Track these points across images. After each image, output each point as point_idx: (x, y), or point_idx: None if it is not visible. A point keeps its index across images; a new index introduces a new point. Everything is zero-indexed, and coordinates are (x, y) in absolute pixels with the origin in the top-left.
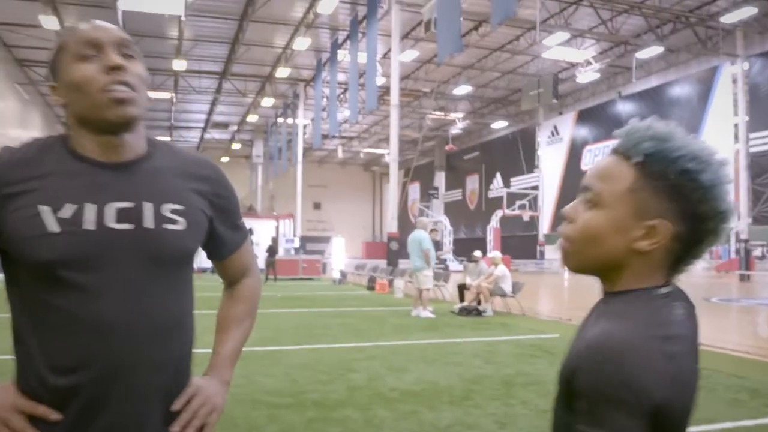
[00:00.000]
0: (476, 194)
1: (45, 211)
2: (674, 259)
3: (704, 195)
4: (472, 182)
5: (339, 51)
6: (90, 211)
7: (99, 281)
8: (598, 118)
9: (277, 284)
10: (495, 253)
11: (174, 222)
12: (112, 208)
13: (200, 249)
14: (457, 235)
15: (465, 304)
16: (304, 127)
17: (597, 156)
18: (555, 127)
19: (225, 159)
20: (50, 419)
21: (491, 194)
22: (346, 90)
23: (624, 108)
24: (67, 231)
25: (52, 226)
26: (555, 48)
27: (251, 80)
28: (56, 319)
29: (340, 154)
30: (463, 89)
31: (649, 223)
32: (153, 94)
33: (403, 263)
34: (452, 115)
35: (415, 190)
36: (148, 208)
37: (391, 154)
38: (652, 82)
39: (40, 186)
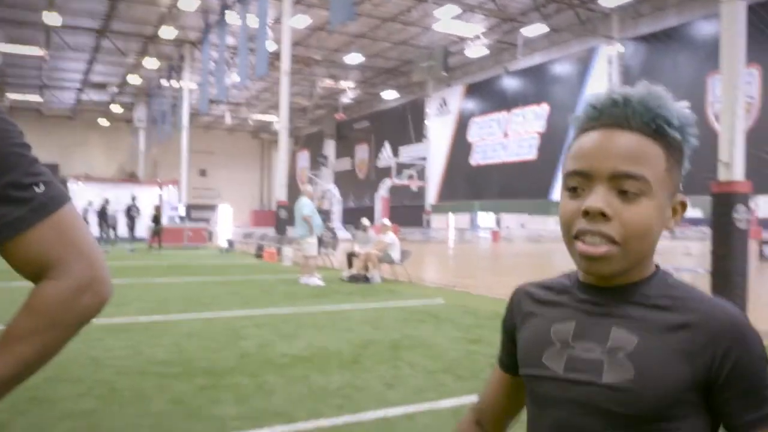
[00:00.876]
0: (365, 164)
1: None
2: None
3: (685, 159)
4: (362, 152)
5: (228, 12)
6: None
7: None
8: (485, 92)
9: (162, 253)
10: (384, 221)
11: None
12: None
13: None
14: (347, 204)
15: (354, 271)
16: (191, 91)
17: (483, 129)
18: (444, 99)
19: (104, 122)
20: None
21: (380, 164)
22: (235, 54)
23: (510, 83)
24: None
25: None
26: (446, 20)
27: (133, 39)
28: None
29: (228, 120)
30: (354, 58)
31: (677, 199)
32: (21, 49)
33: (291, 231)
34: (343, 84)
35: (304, 158)
36: None
37: (281, 121)
38: (536, 59)
39: None
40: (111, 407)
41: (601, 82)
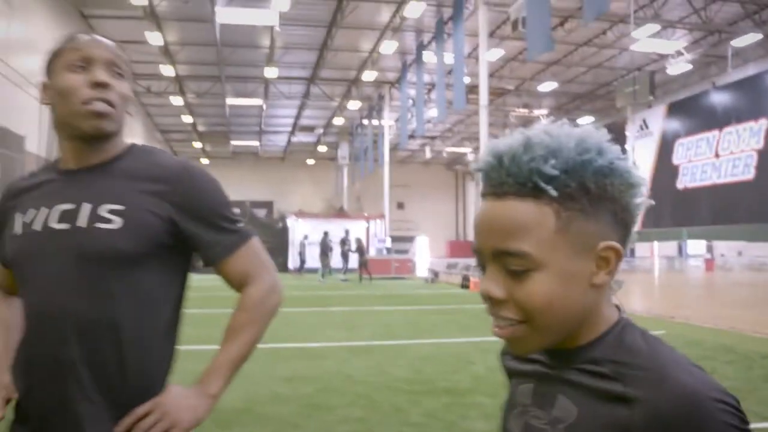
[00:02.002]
0: None
1: (18, 217)
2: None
3: (624, 181)
4: None
5: (424, 52)
6: (42, 215)
7: (36, 276)
8: (691, 111)
9: (372, 283)
10: None
11: (108, 221)
12: (57, 210)
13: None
14: None
15: None
16: (389, 127)
17: (690, 150)
18: (644, 121)
19: (311, 161)
20: (12, 398)
21: None
22: (430, 90)
23: (719, 98)
24: (24, 232)
25: (18, 229)
26: (644, 40)
27: (338, 84)
28: (23, 304)
29: (428, 154)
30: (548, 86)
31: (597, 252)
32: (244, 101)
33: None
34: (536, 112)
35: None
36: (85, 209)
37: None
38: (750, 70)
39: (26, 198)
40: (376, 416)
41: None
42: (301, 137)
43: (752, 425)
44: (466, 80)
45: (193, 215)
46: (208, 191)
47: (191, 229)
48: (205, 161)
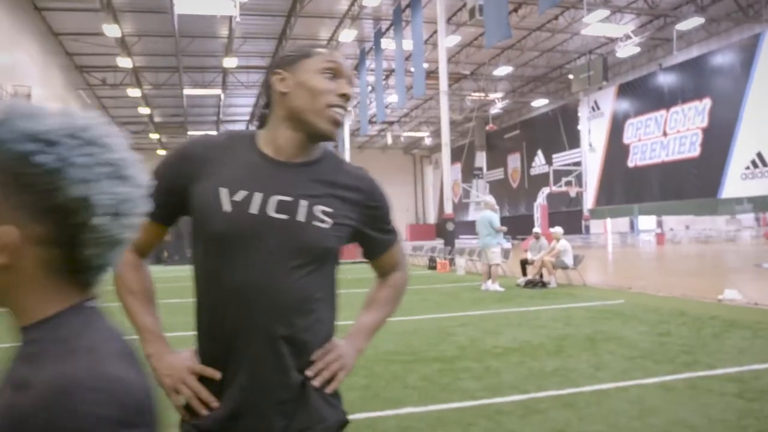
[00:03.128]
0: (518, 172)
1: (223, 192)
2: (67, 269)
3: (54, 181)
4: (514, 161)
5: (382, 39)
6: (257, 199)
7: (248, 256)
8: (640, 92)
9: (340, 267)
10: (557, 229)
11: (322, 221)
12: (274, 200)
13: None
14: (501, 213)
15: (529, 277)
16: (349, 113)
17: (639, 129)
18: (596, 102)
19: None
20: (216, 378)
21: (533, 172)
22: (388, 76)
23: (665, 79)
24: (236, 211)
25: (226, 206)
26: (595, 24)
27: None
28: (216, 283)
29: (389, 140)
30: (503, 70)
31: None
32: (201, 92)
33: (460, 242)
34: (492, 96)
35: (456, 170)
36: (303, 205)
37: (443, 138)
38: (693, 52)
39: (223, 170)
40: (379, 382)
41: None
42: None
43: (703, 372)
44: (425, 66)
45: (372, 222)
46: (384, 202)
47: (367, 232)
48: (162, 152)
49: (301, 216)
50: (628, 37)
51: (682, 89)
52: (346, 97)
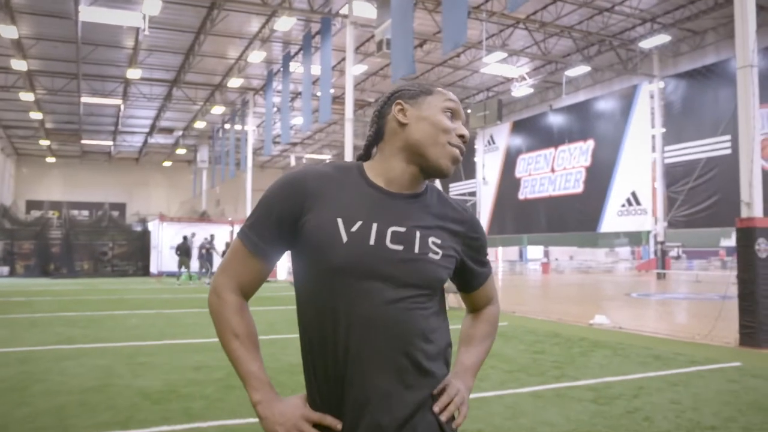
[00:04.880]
0: None
1: (340, 223)
2: None
3: None
4: None
5: (291, 63)
6: (374, 230)
7: (367, 287)
8: (532, 129)
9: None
10: None
11: (435, 252)
12: (390, 231)
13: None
14: None
15: None
16: (253, 132)
17: (530, 164)
18: (491, 137)
19: (167, 163)
20: (336, 428)
21: None
22: (294, 99)
23: (555, 120)
24: (353, 242)
25: (343, 236)
26: (493, 64)
27: (201, 88)
28: (333, 317)
29: (292, 161)
30: None
31: None
32: (100, 101)
33: None
34: None
35: None
36: (416, 237)
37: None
38: (580, 96)
39: (336, 201)
40: (286, 392)
41: (645, 116)
42: (158, 138)
43: (568, 384)
44: (331, 92)
45: (472, 254)
46: (483, 236)
47: (468, 264)
48: (51, 160)
49: (416, 247)
50: (523, 78)
51: (570, 130)
52: (465, 138)
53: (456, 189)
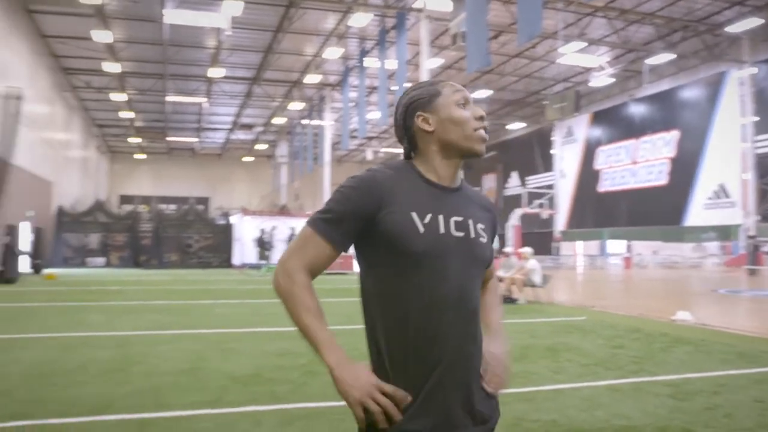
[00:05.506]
0: (493, 192)
1: (414, 216)
2: None
3: None
4: (489, 181)
5: (366, 58)
6: (441, 221)
7: (446, 270)
8: (612, 120)
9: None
10: (527, 249)
11: (482, 236)
12: (453, 220)
13: None
14: None
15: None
16: (330, 127)
17: (610, 156)
18: (570, 128)
19: (248, 159)
20: (406, 402)
21: (508, 192)
22: (370, 93)
23: (636, 110)
24: (427, 232)
25: (420, 227)
26: (570, 54)
27: (280, 85)
28: (416, 300)
29: (368, 155)
30: (482, 93)
31: None
32: (185, 99)
33: None
34: None
35: None
36: (471, 223)
37: None
38: (663, 85)
39: (406, 197)
40: None
41: (734, 104)
42: (239, 135)
43: (646, 378)
44: (407, 86)
45: (494, 233)
46: (497, 219)
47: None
48: (141, 156)
49: (472, 233)
50: (602, 68)
51: (652, 120)
52: (483, 118)
53: (533, 182)
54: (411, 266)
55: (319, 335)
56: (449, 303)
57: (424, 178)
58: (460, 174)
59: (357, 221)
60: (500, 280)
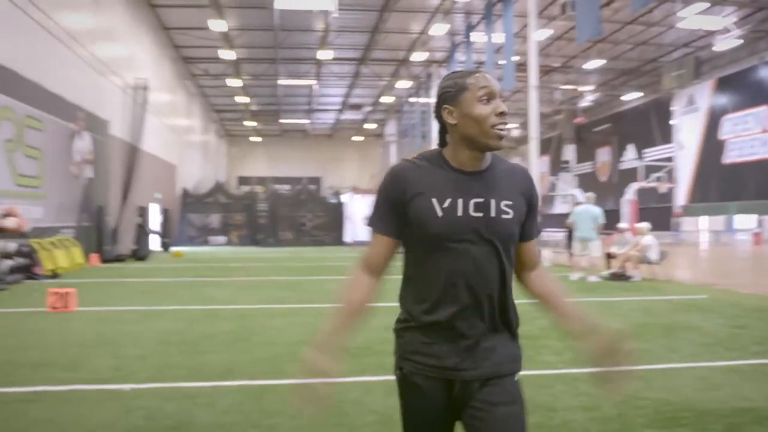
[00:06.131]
0: (608, 166)
1: (435, 202)
2: None
3: None
4: (603, 154)
5: (472, 33)
6: (460, 203)
7: (461, 250)
8: (739, 86)
9: None
10: (643, 224)
11: (507, 213)
12: (472, 202)
13: None
14: None
15: (613, 270)
16: None
17: (737, 125)
18: (691, 97)
19: (357, 138)
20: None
21: (623, 166)
22: (477, 69)
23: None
24: (446, 215)
25: (438, 211)
26: (692, 17)
27: (387, 64)
28: (434, 269)
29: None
30: (594, 63)
31: None
32: (295, 82)
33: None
34: (582, 89)
35: (543, 163)
36: (493, 203)
37: (532, 132)
38: None
39: (430, 185)
40: None
41: None
42: (349, 115)
43: None
44: (515, 59)
45: (530, 207)
46: (537, 191)
47: (526, 216)
48: (256, 139)
49: (493, 212)
50: (727, 30)
51: None
52: (503, 114)
53: (650, 155)
54: (432, 246)
55: (325, 325)
56: (467, 275)
57: (450, 165)
58: (488, 156)
59: (394, 210)
60: (613, 256)
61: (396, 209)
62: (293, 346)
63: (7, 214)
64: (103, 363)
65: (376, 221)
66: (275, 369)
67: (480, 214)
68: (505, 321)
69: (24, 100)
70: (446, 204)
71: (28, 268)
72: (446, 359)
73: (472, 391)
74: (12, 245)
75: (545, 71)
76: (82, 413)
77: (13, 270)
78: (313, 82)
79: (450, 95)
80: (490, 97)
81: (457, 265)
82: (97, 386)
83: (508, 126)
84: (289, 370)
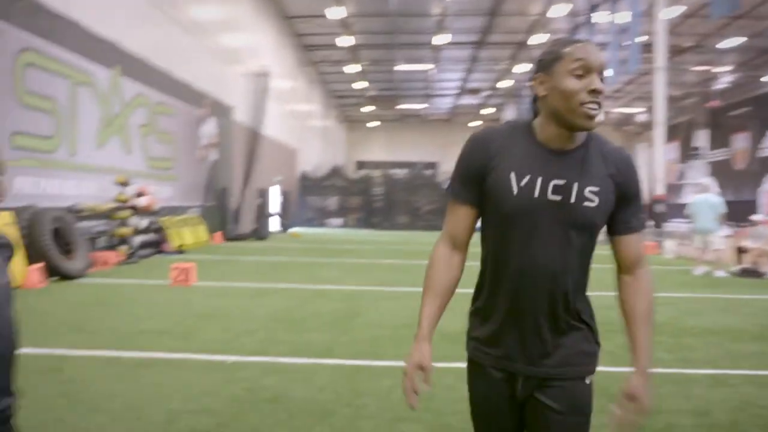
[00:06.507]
0: (745, 154)
1: (512, 177)
2: None
3: None
4: (741, 140)
5: (594, 13)
6: (538, 183)
7: (531, 234)
8: None
9: None
10: None
11: (591, 200)
12: (551, 184)
13: None
14: (724, 198)
15: (745, 265)
16: None
17: None
18: None
19: (474, 123)
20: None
21: (763, 153)
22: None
23: None
24: (521, 194)
25: (514, 189)
26: None
27: (505, 48)
28: (503, 252)
29: (600, 117)
30: (732, 41)
31: None
32: (412, 67)
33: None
34: (717, 69)
35: (671, 149)
36: (575, 187)
37: (657, 117)
38: None
39: (512, 158)
40: None
41: None
42: (466, 100)
43: None
44: (640, 39)
45: (624, 196)
46: (637, 179)
47: (618, 206)
48: (374, 123)
49: (572, 198)
50: None
51: None
52: (596, 92)
53: None
54: (503, 224)
55: (422, 311)
56: (537, 265)
57: (536, 139)
58: (580, 136)
59: (473, 178)
60: (745, 251)
61: (476, 178)
62: (394, 330)
63: (140, 194)
64: (213, 335)
65: (455, 189)
66: (372, 351)
67: (558, 198)
68: (577, 317)
69: (156, 88)
70: (524, 182)
71: (157, 244)
72: (509, 350)
73: (533, 388)
74: (143, 222)
75: (675, 51)
76: (188, 380)
77: (144, 245)
78: (430, 66)
79: (544, 63)
80: (586, 71)
81: (527, 252)
82: (205, 356)
83: (636, 110)
84: (386, 352)
